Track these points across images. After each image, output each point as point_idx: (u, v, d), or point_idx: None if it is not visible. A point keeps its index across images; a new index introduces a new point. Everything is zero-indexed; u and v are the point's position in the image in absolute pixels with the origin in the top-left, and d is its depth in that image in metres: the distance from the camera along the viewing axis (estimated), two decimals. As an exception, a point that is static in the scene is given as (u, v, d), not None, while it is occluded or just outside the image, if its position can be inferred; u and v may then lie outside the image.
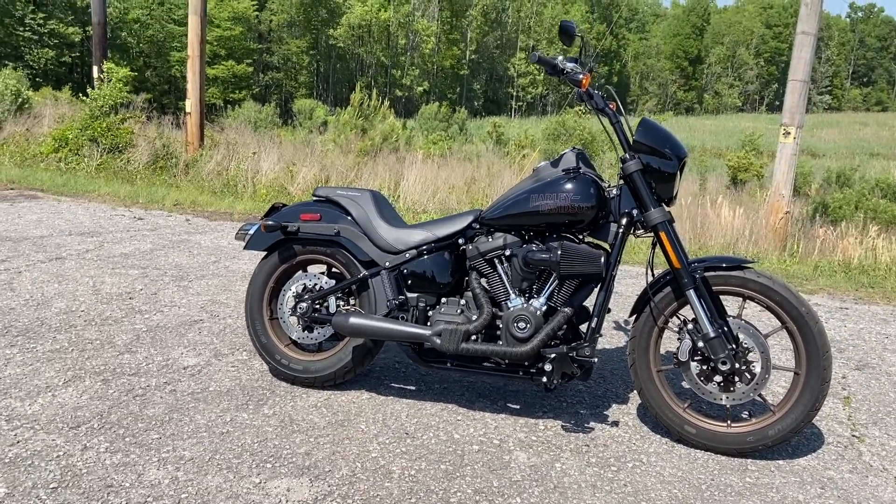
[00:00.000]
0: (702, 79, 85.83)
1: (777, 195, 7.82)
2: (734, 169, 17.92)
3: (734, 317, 2.66)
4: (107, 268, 4.78)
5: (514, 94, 71.24)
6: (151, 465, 2.36)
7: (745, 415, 2.90)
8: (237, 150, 11.74)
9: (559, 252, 2.62)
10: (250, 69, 49.88)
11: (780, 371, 3.19)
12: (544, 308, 2.70)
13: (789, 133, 7.50)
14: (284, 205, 3.10)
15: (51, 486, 2.20)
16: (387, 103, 20.54)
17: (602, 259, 2.59)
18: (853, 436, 2.88)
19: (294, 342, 3.09)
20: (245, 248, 3.08)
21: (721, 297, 2.70)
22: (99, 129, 10.92)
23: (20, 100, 15.12)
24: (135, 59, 42.02)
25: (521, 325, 2.68)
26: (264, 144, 12.42)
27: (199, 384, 3.02)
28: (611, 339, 3.93)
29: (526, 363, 2.72)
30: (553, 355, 2.64)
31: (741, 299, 2.66)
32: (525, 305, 2.71)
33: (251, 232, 3.06)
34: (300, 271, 3.10)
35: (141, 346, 3.41)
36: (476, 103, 67.23)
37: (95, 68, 12.89)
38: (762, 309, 2.67)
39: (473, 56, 69.45)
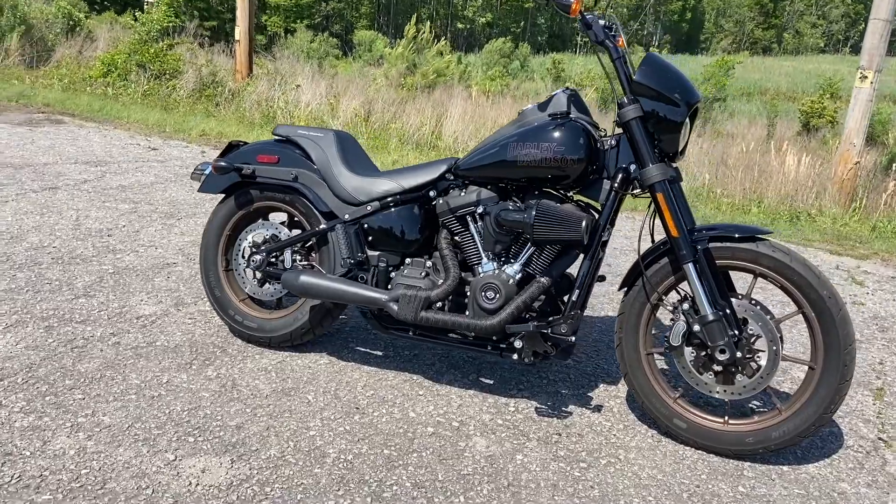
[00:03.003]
0: (782, 17, 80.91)
1: (847, 144, 7.13)
2: (806, 114, 16.81)
3: (743, 297, 2.24)
4: (98, 200, 4.56)
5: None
6: (62, 432, 2.12)
7: (760, 407, 2.51)
8: (285, 81, 11.44)
9: (533, 212, 2.23)
10: (313, -3, 49.06)
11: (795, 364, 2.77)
12: (518, 276, 2.33)
13: (866, 77, 6.77)
14: (243, 143, 2.77)
15: (-59, 451, 1.99)
16: (442, 37, 19.86)
17: (583, 223, 2.19)
18: (879, 439, 2.46)
19: (251, 297, 2.80)
20: (199, 190, 2.77)
21: (731, 272, 2.29)
22: (147, 55, 10.73)
23: (71, 23, 15.06)
24: (200, -16, 41.67)
25: (490, 294, 2.32)
26: (313, 76, 12.05)
27: (147, 337, 2.77)
28: (614, 307, 3.54)
29: (494, 338, 2.38)
30: (521, 332, 2.28)
31: (752, 276, 2.24)
32: (496, 272, 2.34)
33: (206, 172, 2.75)
34: (260, 219, 2.79)
35: (101, 289, 3.18)
36: (540, 38, 65.00)
37: (150, -8, 12.75)
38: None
39: (539, -13, 66.86)
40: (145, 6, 12.51)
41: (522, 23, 65.32)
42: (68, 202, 4.46)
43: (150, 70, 10.79)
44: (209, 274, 2.79)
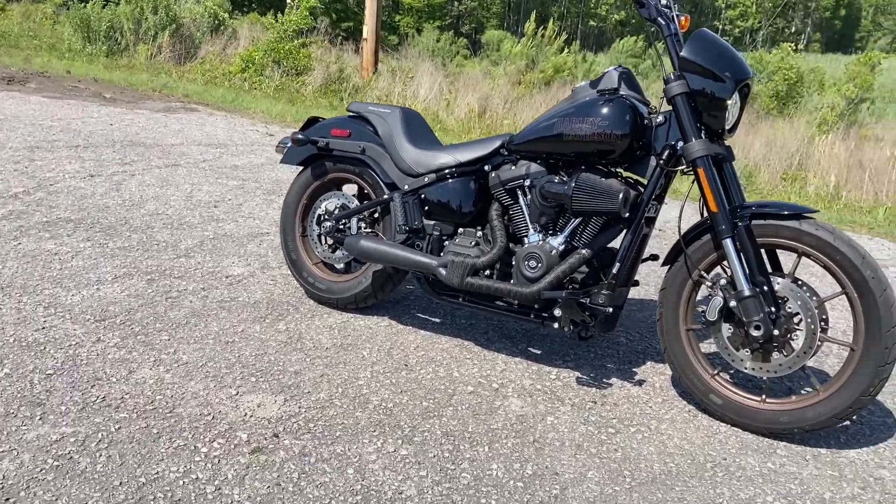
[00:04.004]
0: (951, 12, 73.99)
1: None
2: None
3: (786, 275, 2.23)
4: (211, 177, 5.00)
5: (721, 27, 65.79)
6: (146, 365, 2.43)
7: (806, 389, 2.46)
8: (407, 77, 11.89)
9: (573, 184, 2.31)
10: (444, -2, 49.88)
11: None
12: (561, 248, 2.42)
13: None
14: (321, 118, 3.01)
15: (48, 371, 2.32)
16: (564, 34, 19.73)
17: (621, 195, 2.25)
18: (936, 433, 2.36)
19: (323, 262, 3.04)
20: (281, 161, 3.04)
21: (778, 251, 2.28)
22: (282, 52, 11.46)
23: (216, 22, 16.25)
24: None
25: (532, 263, 2.42)
26: (431, 73, 12.41)
27: (232, 294, 3.07)
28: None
29: (535, 305, 2.48)
30: (558, 299, 2.37)
31: (796, 255, 2.22)
32: (540, 243, 2.44)
33: (288, 145, 3.01)
34: (334, 190, 3.02)
35: (200, 251, 3.54)
36: (676, 37, 62.86)
37: (291, -6, 13.63)
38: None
39: (677, -16, 64.70)
40: (286, 8, 13.35)
41: (657, 21, 63.35)
42: (186, 177, 4.92)
43: (284, 66, 11.50)
44: (287, 239, 3.06)
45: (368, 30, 11.89)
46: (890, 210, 7.00)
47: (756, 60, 20.81)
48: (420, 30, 40.61)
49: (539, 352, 2.77)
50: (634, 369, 2.68)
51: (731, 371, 2.45)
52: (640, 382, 2.58)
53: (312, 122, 3.00)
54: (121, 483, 1.82)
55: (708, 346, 2.57)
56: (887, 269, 4.46)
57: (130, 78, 10.14)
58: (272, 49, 11.57)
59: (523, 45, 19.03)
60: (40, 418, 2.06)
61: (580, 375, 2.60)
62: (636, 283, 2.60)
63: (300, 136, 2.87)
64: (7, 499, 1.73)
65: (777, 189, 8.27)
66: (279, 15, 12.53)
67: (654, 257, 2.61)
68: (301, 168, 3.02)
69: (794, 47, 19.59)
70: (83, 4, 12.67)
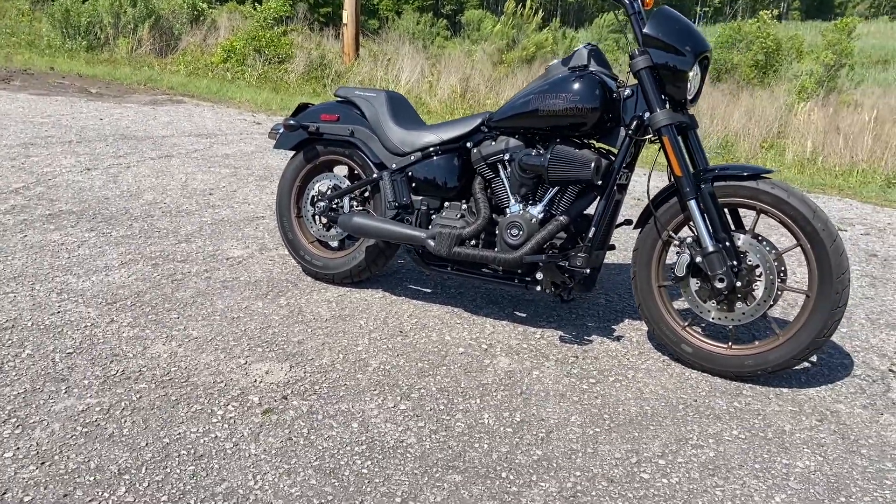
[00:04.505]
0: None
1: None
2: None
3: (745, 231, 2.43)
4: (204, 166, 5.16)
5: (701, -3, 65.77)
6: (159, 341, 2.61)
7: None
8: (387, 62, 11.99)
9: (548, 156, 2.50)
10: (423, -21, 49.58)
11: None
12: (541, 216, 2.61)
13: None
14: (311, 105, 3.17)
15: (67, 350, 2.50)
16: (541, 11, 19.80)
17: (592, 164, 2.44)
18: (889, 370, 2.58)
19: (318, 240, 3.21)
20: (274, 146, 3.20)
21: (739, 210, 2.48)
22: (263, 41, 11.53)
23: (195, 13, 16.25)
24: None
25: (514, 231, 2.61)
26: (412, 56, 12.52)
27: (234, 274, 3.25)
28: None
29: (519, 270, 2.67)
30: (539, 263, 2.56)
31: (755, 213, 2.42)
32: (521, 212, 2.63)
33: (280, 131, 3.17)
34: (326, 171, 3.19)
35: (200, 236, 3.70)
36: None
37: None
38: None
39: (654, -44, 64.54)
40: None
41: (637, -6, 63.29)
42: (179, 167, 5.07)
43: (266, 55, 11.58)
44: (283, 219, 3.23)
45: (348, 15, 11.98)
46: (862, 173, 7.23)
47: (734, 31, 20.95)
48: (400, 13, 40.51)
49: (525, 315, 2.97)
50: (613, 327, 2.89)
51: (702, 322, 2.66)
52: (619, 338, 2.78)
53: (302, 108, 3.16)
54: (147, 444, 2.00)
55: (681, 304, 2.77)
56: (854, 226, 4.69)
57: (114, 72, 10.21)
58: (253, 38, 11.65)
59: (503, 24, 19.10)
60: (65, 392, 2.23)
61: (563, 334, 2.80)
62: (613, 247, 2.80)
63: (292, 122, 3.03)
64: (43, 462, 1.90)
65: (756, 157, 8.49)
66: (257, 5, 12.63)
67: (628, 222, 2.80)
68: (294, 152, 3.19)
69: (774, 15, 19.71)
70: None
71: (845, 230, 4.57)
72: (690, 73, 2.41)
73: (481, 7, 47.45)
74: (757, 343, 2.44)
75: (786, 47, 19.31)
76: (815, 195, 5.88)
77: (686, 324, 2.54)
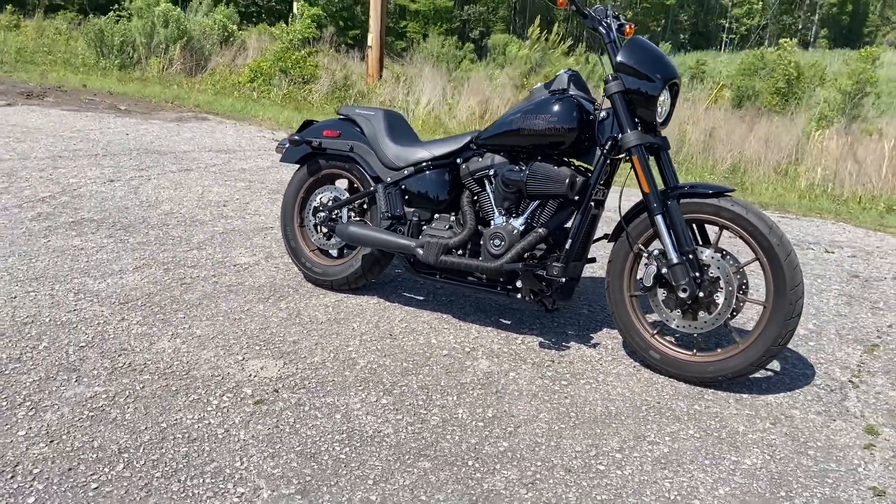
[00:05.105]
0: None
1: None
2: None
3: (709, 246, 2.59)
4: (221, 179, 5.42)
5: (727, 24, 65.87)
6: (165, 338, 2.82)
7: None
8: (411, 83, 12.30)
9: (527, 171, 2.69)
10: (451, 2, 50.32)
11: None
12: (522, 228, 2.79)
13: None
14: (315, 121, 3.40)
15: (80, 344, 2.72)
16: (569, 38, 20.05)
17: (567, 180, 2.62)
18: (849, 381, 2.71)
19: (319, 248, 3.42)
20: (280, 160, 3.43)
21: (707, 226, 2.64)
22: (289, 62, 11.90)
23: (225, 34, 16.75)
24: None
25: (497, 241, 2.79)
26: (436, 77, 12.80)
27: (239, 279, 3.46)
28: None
29: (500, 279, 2.85)
30: (517, 270, 2.74)
31: (717, 228, 2.58)
32: (504, 224, 2.81)
33: (287, 146, 3.40)
34: (328, 184, 3.40)
35: (211, 244, 3.93)
36: (682, 36, 62.99)
37: (295, 5, 14.10)
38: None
39: (682, -17, 64.88)
40: (290, 19, 13.85)
41: (663, 21, 63.58)
42: (197, 180, 5.34)
43: (291, 75, 11.94)
44: (287, 228, 3.44)
45: (373, 37, 12.31)
46: (864, 199, 7.32)
47: (757, 58, 21.08)
48: (426, 35, 41.06)
49: (509, 322, 3.14)
50: (591, 335, 3.05)
51: (669, 331, 2.81)
52: (595, 345, 2.95)
53: (307, 124, 3.39)
54: (146, 427, 2.20)
55: (653, 314, 2.93)
56: (842, 248, 4.80)
57: (143, 90, 10.61)
58: (279, 59, 12.02)
59: (527, 49, 19.37)
60: (76, 380, 2.45)
61: (543, 340, 2.97)
62: (593, 260, 2.97)
63: (296, 138, 3.26)
64: (52, 440, 2.11)
65: (770, 183, 8.58)
66: (285, 25, 13.04)
67: (606, 237, 2.97)
68: (298, 166, 3.41)
69: (801, 43, 19.81)
70: (96, 18, 13.15)
71: (832, 252, 4.69)
72: (660, 98, 2.59)
73: (507, 31, 47.94)
74: (719, 351, 2.59)
75: (808, 75, 19.35)
76: (809, 220, 5.99)
77: (655, 332, 2.70)
